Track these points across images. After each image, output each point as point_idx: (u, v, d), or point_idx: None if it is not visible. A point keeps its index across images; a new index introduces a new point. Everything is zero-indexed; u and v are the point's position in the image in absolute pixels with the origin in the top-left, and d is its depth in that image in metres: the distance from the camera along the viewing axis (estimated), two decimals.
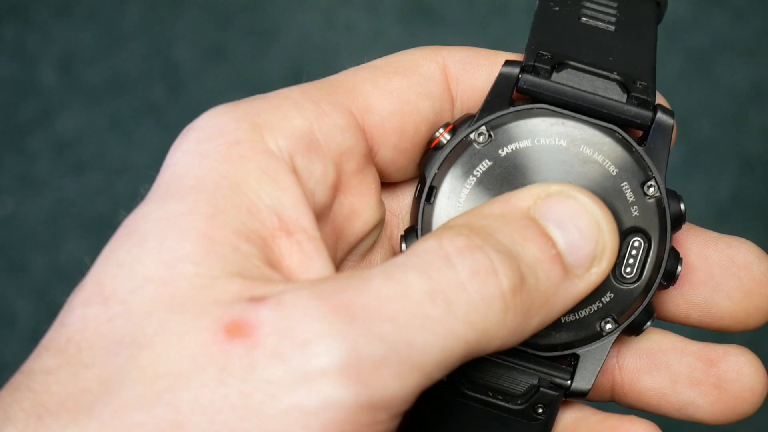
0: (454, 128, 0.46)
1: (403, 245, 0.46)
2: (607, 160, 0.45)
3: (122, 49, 1.20)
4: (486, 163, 0.45)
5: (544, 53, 0.46)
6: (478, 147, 0.45)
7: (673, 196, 0.46)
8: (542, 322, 0.40)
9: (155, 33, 1.20)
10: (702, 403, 0.47)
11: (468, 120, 0.46)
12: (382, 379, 0.35)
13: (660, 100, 0.46)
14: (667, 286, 0.46)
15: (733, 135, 1.18)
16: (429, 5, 1.22)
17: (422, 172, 0.46)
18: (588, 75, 0.45)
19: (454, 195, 0.45)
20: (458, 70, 0.46)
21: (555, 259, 0.40)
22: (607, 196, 0.45)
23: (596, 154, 0.45)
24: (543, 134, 0.45)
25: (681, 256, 0.46)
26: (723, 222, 1.17)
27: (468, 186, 0.45)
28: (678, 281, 0.46)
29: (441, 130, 0.46)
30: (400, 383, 0.35)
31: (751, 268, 0.47)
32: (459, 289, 0.37)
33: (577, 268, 0.41)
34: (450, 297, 0.37)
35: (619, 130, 0.45)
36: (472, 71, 0.47)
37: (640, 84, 0.45)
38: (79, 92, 1.19)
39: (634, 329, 0.46)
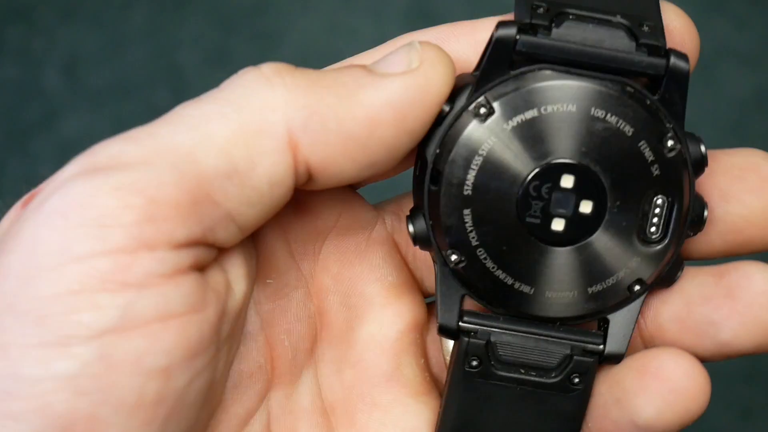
0: (451, 96, 0.42)
1: (410, 226, 0.43)
2: (621, 120, 0.41)
3: (127, 53, 1.20)
4: (491, 141, 0.41)
5: (539, 4, 0.42)
6: (480, 122, 0.41)
7: (692, 138, 0.43)
8: (340, 101, 0.40)
9: (160, 37, 1.21)
10: (718, 319, 0.44)
11: (465, 86, 0.42)
12: (130, 170, 0.39)
13: (670, 41, 0.43)
14: (694, 235, 0.44)
15: (735, 142, 1.18)
16: (433, 10, 1.22)
17: (420, 149, 0.42)
18: (590, 24, 0.41)
19: (460, 177, 0.42)
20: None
21: (351, 66, 0.42)
22: (626, 160, 0.42)
23: (609, 115, 0.41)
24: (549, 101, 0.41)
25: (705, 200, 0.43)
26: None
27: (474, 167, 0.42)
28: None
29: None
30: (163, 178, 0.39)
31: (757, 169, 0.45)
32: (212, 94, 0.41)
33: (384, 69, 0.41)
34: (204, 102, 0.41)
35: (630, 82, 0.42)
36: (450, 43, 0.43)
37: (646, 26, 0.42)
38: (84, 96, 1.19)
39: (666, 282, 0.44)
